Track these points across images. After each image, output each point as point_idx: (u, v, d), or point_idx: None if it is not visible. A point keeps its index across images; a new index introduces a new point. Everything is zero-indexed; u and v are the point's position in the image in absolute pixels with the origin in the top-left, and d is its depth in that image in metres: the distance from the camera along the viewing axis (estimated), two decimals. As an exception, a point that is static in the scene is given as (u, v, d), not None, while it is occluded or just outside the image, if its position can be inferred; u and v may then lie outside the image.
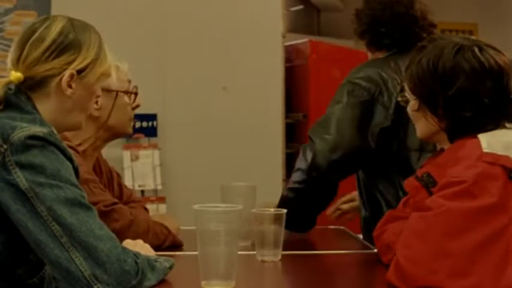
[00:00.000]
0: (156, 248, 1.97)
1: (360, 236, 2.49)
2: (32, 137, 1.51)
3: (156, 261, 1.63)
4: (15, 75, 1.62)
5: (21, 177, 1.49)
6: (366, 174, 2.51)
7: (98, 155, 2.29)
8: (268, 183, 4.65)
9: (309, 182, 2.37)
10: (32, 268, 1.60)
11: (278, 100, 4.92)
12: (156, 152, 4.85)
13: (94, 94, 1.74)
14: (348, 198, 2.68)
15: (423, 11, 2.55)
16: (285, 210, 1.95)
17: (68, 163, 1.56)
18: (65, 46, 1.65)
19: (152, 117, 4.84)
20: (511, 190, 1.58)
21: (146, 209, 2.36)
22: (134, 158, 4.81)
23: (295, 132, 5.29)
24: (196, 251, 1.63)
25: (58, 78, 1.64)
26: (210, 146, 4.73)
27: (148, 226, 2.10)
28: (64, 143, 1.58)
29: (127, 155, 4.80)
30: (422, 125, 1.81)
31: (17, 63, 1.64)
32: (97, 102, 2.07)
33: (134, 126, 4.83)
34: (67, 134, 2.04)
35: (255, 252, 1.96)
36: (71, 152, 1.61)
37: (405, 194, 1.89)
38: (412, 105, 1.82)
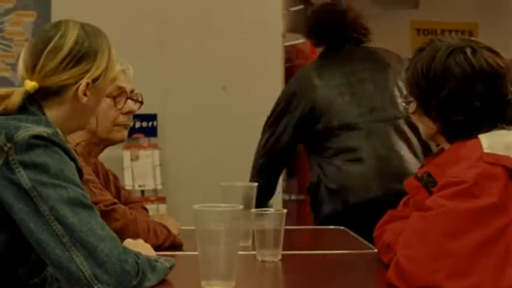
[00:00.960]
0: (156, 248, 1.97)
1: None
2: (36, 137, 1.52)
3: (157, 261, 1.63)
4: (31, 85, 1.63)
5: (24, 177, 1.49)
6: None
7: (95, 160, 2.29)
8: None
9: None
10: (33, 268, 1.60)
11: (278, 100, 4.91)
12: (156, 152, 4.85)
13: (103, 97, 1.76)
14: None
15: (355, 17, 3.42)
16: (285, 210, 1.95)
17: (72, 163, 1.56)
18: (81, 56, 1.66)
19: (152, 117, 4.84)
20: (511, 190, 1.58)
21: (145, 209, 2.36)
22: (134, 158, 4.81)
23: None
24: (196, 251, 1.63)
25: (74, 87, 1.66)
26: (210, 146, 4.73)
27: (148, 226, 2.10)
28: (68, 145, 1.59)
29: (127, 154, 4.80)
30: (421, 126, 1.83)
31: (32, 73, 1.64)
32: None
33: (134, 126, 4.85)
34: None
35: (255, 252, 1.96)
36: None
37: None
38: (411, 107, 1.83)
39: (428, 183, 1.70)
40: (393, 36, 12.78)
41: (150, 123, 4.87)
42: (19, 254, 1.57)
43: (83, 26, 1.71)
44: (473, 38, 1.84)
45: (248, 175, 3.55)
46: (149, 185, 4.83)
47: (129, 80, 2.28)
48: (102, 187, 2.15)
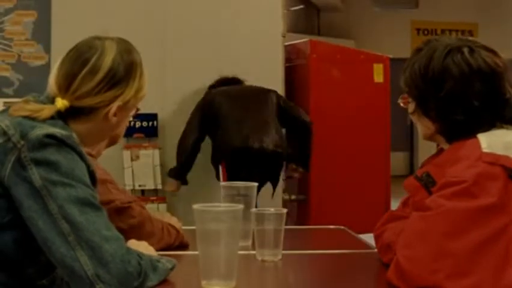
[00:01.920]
0: (165, 248, 1.99)
1: (361, 236, 2.50)
2: (50, 136, 1.53)
3: (158, 261, 1.64)
4: (63, 104, 1.64)
5: (35, 174, 1.50)
6: None
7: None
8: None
9: None
10: (42, 269, 1.61)
11: (278, 100, 4.91)
12: (156, 152, 4.85)
13: (130, 113, 1.78)
14: None
15: None
16: (285, 210, 1.95)
17: (83, 164, 1.57)
18: (115, 81, 1.67)
19: (152, 117, 4.85)
20: (511, 190, 1.58)
21: (143, 208, 2.37)
22: (135, 158, 4.82)
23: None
24: (196, 251, 1.63)
25: (105, 109, 1.67)
26: (209, 146, 4.73)
27: (162, 224, 2.12)
28: (82, 148, 1.60)
29: (127, 154, 4.80)
30: (420, 127, 1.83)
31: (65, 92, 1.65)
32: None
33: (134, 126, 4.86)
34: None
35: (255, 252, 1.96)
36: (88, 157, 1.63)
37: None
38: (409, 107, 1.83)
39: (428, 183, 1.70)
40: (393, 36, 12.82)
41: (150, 123, 4.87)
42: (28, 254, 1.58)
43: (119, 46, 1.71)
44: (470, 38, 1.84)
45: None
46: (149, 185, 4.83)
47: None
48: (119, 188, 2.18)
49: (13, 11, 4.84)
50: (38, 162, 1.51)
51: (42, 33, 4.81)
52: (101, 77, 1.66)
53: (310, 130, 4.82)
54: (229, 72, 4.82)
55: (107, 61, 1.67)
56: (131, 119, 2.25)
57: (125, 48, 1.72)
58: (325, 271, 2.01)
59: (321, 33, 12.45)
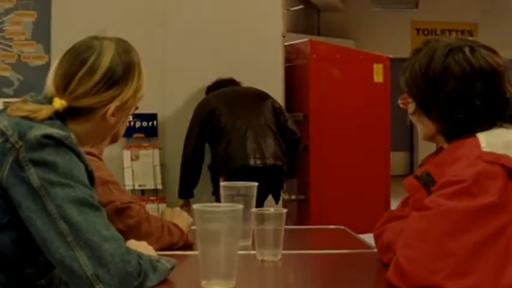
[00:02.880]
0: (168, 248, 2.00)
1: (361, 236, 2.50)
2: (48, 136, 1.53)
3: (158, 261, 1.64)
4: (61, 104, 1.64)
5: (33, 175, 1.50)
6: None
7: None
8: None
9: None
10: (40, 269, 1.61)
11: (278, 100, 4.92)
12: (156, 152, 4.85)
13: (129, 113, 1.78)
14: None
15: None
16: (285, 210, 1.95)
17: (82, 164, 1.57)
18: (113, 81, 1.67)
19: (152, 117, 4.85)
20: (511, 189, 1.58)
21: (144, 208, 2.37)
22: (135, 158, 4.82)
23: (295, 132, 5.29)
24: (196, 250, 1.63)
25: (103, 110, 1.67)
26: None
27: (163, 224, 2.12)
28: (80, 148, 1.59)
29: (127, 154, 4.80)
30: (420, 127, 1.82)
31: (63, 92, 1.65)
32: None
33: (134, 126, 4.85)
34: None
35: (255, 252, 1.96)
36: (92, 158, 1.63)
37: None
38: (409, 107, 1.83)
39: (427, 182, 1.70)
40: (393, 36, 12.82)
41: (150, 123, 4.87)
42: (27, 254, 1.58)
43: (117, 46, 1.71)
44: (470, 38, 1.84)
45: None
46: (149, 185, 4.83)
47: None
48: (122, 189, 2.18)
49: (13, 11, 4.84)
50: (36, 163, 1.51)
51: (42, 33, 4.81)
52: (99, 77, 1.65)
53: (298, 145, 4.85)
54: (228, 72, 4.82)
55: (105, 61, 1.67)
56: (130, 118, 2.26)
57: (124, 48, 1.72)
58: (325, 271, 2.01)
59: (321, 33, 12.45)
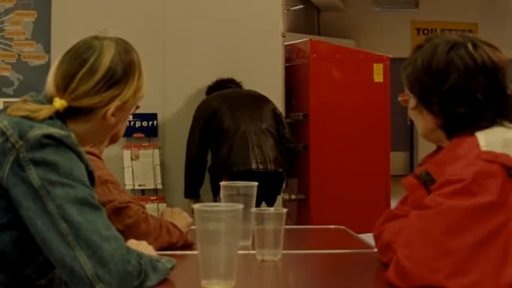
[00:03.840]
0: (167, 247, 2.00)
1: (361, 236, 2.50)
2: (48, 136, 1.53)
3: (158, 261, 1.64)
4: (61, 104, 1.64)
5: (34, 175, 1.50)
6: None
7: None
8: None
9: None
10: (41, 269, 1.61)
11: (278, 100, 4.92)
12: (156, 152, 4.85)
13: (129, 113, 1.78)
14: None
15: None
16: (285, 210, 1.95)
17: (82, 164, 1.57)
18: (114, 81, 1.67)
19: (152, 116, 4.85)
20: (510, 188, 1.58)
21: (143, 207, 2.37)
22: (135, 157, 4.82)
23: (295, 131, 5.29)
24: (196, 250, 1.63)
25: (104, 109, 1.67)
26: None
27: (161, 224, 2.12)
28: (81, 148, 1.59)
29: (127, 154, 4.80)
30: (421, 123, 1.82)
31: (63, 92, 1.65)
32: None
33: (134, 126, 4.85)
34: None
35: (255, 252, 1.96)
36: (92, 157, 1.63)
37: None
38: (410, 103, 1.83)
39: (427, 181, 1.70)
40: (393, 36, 12.81)
41: (150, 123, 4.87)
42: (27, 254, 1.58)
43: (117, 46, 1.71)
44: (471, 34, 1.85)
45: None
46: (149, 185, 4.83)
47: None
48: (121, 189, 2.18)
49: (13, 11, 4.84)
50: (37, 163, 1.51)
51: (42, 33, 4.81)
52: (100, 77, 1.65)
53: (293, 153, 4.88)
54: (228, 71, 4.81)
55: (106, 61, 1.67)
56: (131, 118, 2.26)
57: (124, 48, 1.72)
58: (325, 271, 2.01)
59: (321, 33, 12.45)
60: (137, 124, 4.80)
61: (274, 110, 4.72)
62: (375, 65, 5.55)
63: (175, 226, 2.16)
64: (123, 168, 4.76)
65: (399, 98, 1.91)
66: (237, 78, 4.83)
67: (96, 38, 1.72)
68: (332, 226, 2.70)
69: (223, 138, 4.51)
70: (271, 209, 1.97)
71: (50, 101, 1.65)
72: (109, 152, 2.39)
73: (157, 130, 4.89)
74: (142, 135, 4.85)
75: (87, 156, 1.62)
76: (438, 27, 13.07)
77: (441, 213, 1.56)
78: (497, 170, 1.59)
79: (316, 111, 5.29)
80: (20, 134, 1.53)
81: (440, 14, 12.87)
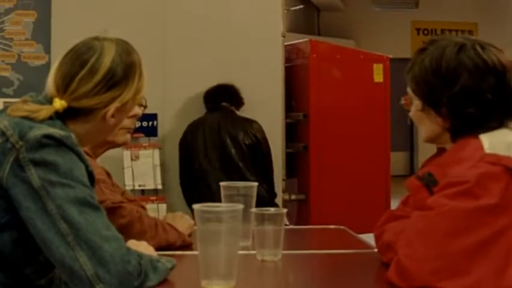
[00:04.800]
0: (167, 248, 2.00)
1: (361, 236, 2.50)
2: (48, 136, 1.53)
3: (158, 261, 1.64)
4: (61, 104, 1.64)
5: (34, 175, 1.50)
6: None
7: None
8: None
9: None
10: (40, 269, 1.61)
11: (278, 100, 4.92)
12: (156, 152, 4.85)
13: (129, 114, 1.79)
14: None
15: None
16: (285, 210, 1.95)
17: (82, 164, 1.57)
18: (114, 82, 1.67)
19: (152, 117, 4.85)
20: (513, 191, 1.58)
21: (143, 208, 2.37)
22: (135, 158, 4.81)
23: (295, 132, 5.29)
24: (196, 250, 1.63)
25: (104, 110, 1.67)
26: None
27: (156, 222, 2.12)
28: (81, 148, 1.60)
29: (127, 154, 4.80)
30: (427, 126, 1.80)
31: (63, 93, 1.65)
32: None
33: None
34: None
35: (255, 252, 1.96)
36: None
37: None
38: (416, 105, 1.81)
39: (429, 182, 1.70)
40: (393, 36, 12.81)
41: (150, 123, 4.87)
42: (27, 254, 1.58)
43: (118, 47, 1.71)
44: (473, 37, 1.85)
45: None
46: (149, 185, 4.83)
47: None
48: (112, 188, 2.18)
49: (13, 11, 4.84)
50: (37, 163, 1.51)
51: (42, 33, 4.81)
52: (100, 78, 1.65)
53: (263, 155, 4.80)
54: (228, 71, 4.81)
55: (106, 62, 1.67)
56: (135, 120, 2.26)
57: (124, 49, 1.72)
58: (325, 271, 2.01)
59: (321, 33, 12.45)
60: (137, 124, 4.79)
61: (244, 139, 4.68)
62: (375, 65, 5.55)
63: (171, 226, 2.16)
64: (123, 168, 4.76)
65: (402, 102, 1.90)
66: (237, 78, 4.81)
67: (96, 38, 1.72)
68: (332, 226, 2.70)
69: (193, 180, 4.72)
70: (271, 209, 1.97)
71: (50, 101, 1.65)
72: (109, 152, 2.39)
73: (157, 130, 4.89)
74: (142, 135, 4.85)
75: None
76: (438, 27, 13.07)
77: (443, 214, 1.56)
78: (500, 173, 1.59)
79: (316, 111, 5.29)
80: (20, 135, 1.53)
81: (440, 14, 12.87)
